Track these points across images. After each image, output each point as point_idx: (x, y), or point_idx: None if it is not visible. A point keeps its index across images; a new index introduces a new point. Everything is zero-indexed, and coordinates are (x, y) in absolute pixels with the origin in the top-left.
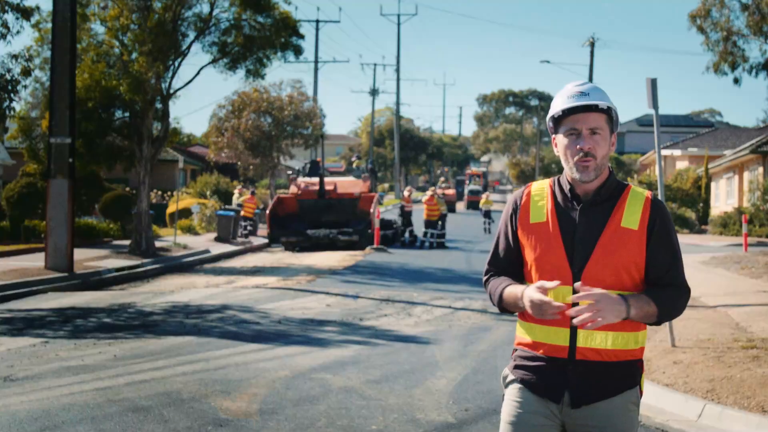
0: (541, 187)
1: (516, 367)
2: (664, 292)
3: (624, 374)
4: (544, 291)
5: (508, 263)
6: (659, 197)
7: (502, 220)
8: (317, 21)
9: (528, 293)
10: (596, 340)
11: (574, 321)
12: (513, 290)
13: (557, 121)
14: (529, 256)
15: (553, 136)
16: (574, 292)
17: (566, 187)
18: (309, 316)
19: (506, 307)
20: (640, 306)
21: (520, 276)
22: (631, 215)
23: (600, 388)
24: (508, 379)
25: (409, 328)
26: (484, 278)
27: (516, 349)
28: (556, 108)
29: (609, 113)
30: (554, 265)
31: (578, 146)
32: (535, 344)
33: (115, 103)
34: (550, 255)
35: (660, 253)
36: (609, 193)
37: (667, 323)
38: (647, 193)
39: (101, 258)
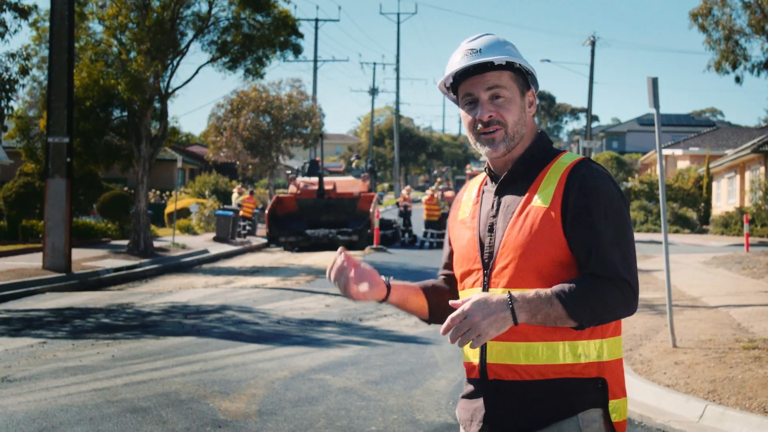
0: (479, 177)
1: (461, 398)
2: (578, 283)
3: (552, 398)
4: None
5: (450, 268)
6: (661, 197)
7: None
8: (316, 20)
9: None
10: (510, 355)
11: (450, 342)
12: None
13: (455, 88)
14: (455, 259)
15: (459, 108)
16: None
17: (487, 168)
18: (308, 316)
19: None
20: (535, 307)
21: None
22: (545, 189)
23: (520, 417)
24: (458, 417)
25: (408, 329)
26: None
27: None
28: (446, 74)
29: (514, 67)
30: (469, 265)
31: (477, 116)
32: (465, 364)
33: (113, 103)
34: (465, 254)
35: (577, 236)
36: (530, 167)
37: (668, 323)
38: (575, 158)
39: (99, 258)
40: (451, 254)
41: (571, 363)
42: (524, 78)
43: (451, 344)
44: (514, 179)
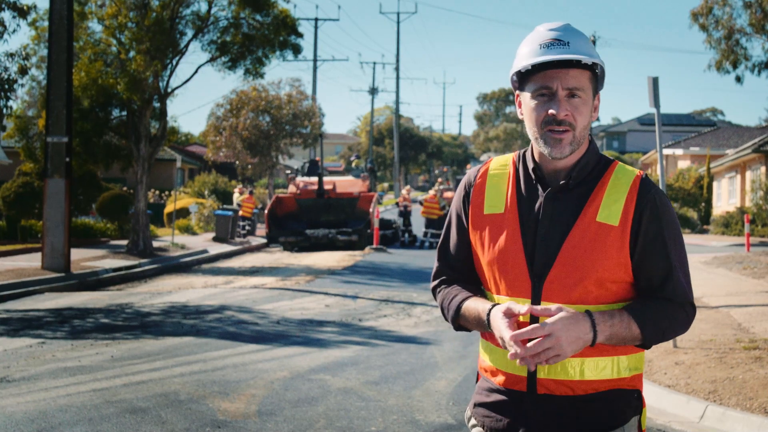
0: (503, 163)
1: (476, 404)
2: (654, 307)
3: (604, 409)
4: (512, 315)
5: (463, 264)
6: None
7: (453, 207)
8: (316, 19)
9: (497, 320)
10: (565, 370)
11: (521, 364)
12: (475, 307)
13: (525, 74)
14: (482, 258)
15: (517, 93)
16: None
17: (530, 166)
18: (308, 316)
19: (466, 326)
20: (615, 330)
21: (478, 280)
22: (611, 205)
23: (568, 429)
24: (471, 423)
25: (408, 329)
26: (433, 284)
27: (478, 375)
28: (523, 60)
29: (594, 69)
30: (511, 273)
31: (551, 111)
32: (494, 371)
33: (112, 102)
34: (506, 259)
35: (650, 259)
36: (585, 175)
37: None
38: (637, 173)
39: (98, 258)
40: (465, 244)
41: (622, 377)
42: (597, 81)
43: (452, 345)
44: (567, 186)
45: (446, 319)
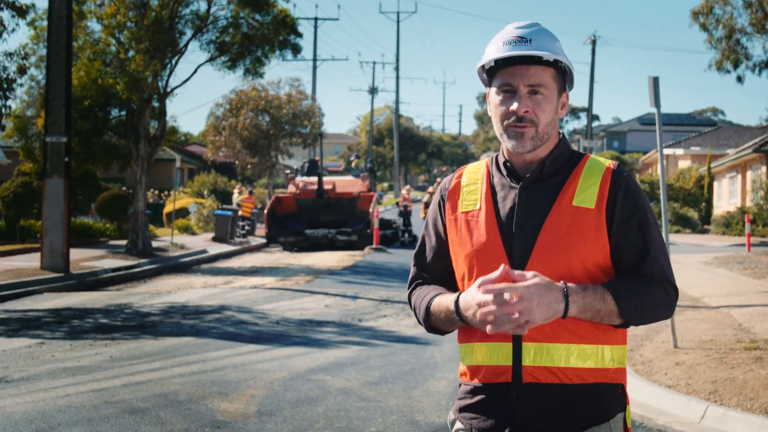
0: (476, 168)
1: (461, 408)
2: (631, 282)
3: (591, 403)
4: (485, 284)
5: (439, 270)
6: (662, 197)
7: (429, 213)
8: (316, 19)
9: (469, 294)
10: (550, 356)
11: (487, 330)
12: (444, 299)
13: (491, 71)
14: (459, 255)
15: (487, 89)
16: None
17: (502, 161)
18: (307, 316)
19: (436, 325)
20: (588, 302)
21: (453, 285)
22: (586, 190)
23: (555, 422)
24: (455, 427)
25: (408, 329)
26: (409, 290)
27: (460, 384)
28: (488, 56)
29: (558, 66)
30: (491, 265)
31: (512, 107)
32: (474, 370)
33: (111, 102)
34: (484, 250)
35: (626, 238)
36: (558, 166)
37: (669, 323)
38: (609, 162)
39: (97, 258)
40: (442, 250)
41: (606, 367)
42: (563, 78)
43: (452, 345)
44: (541, 177)
45: (419, 322)
